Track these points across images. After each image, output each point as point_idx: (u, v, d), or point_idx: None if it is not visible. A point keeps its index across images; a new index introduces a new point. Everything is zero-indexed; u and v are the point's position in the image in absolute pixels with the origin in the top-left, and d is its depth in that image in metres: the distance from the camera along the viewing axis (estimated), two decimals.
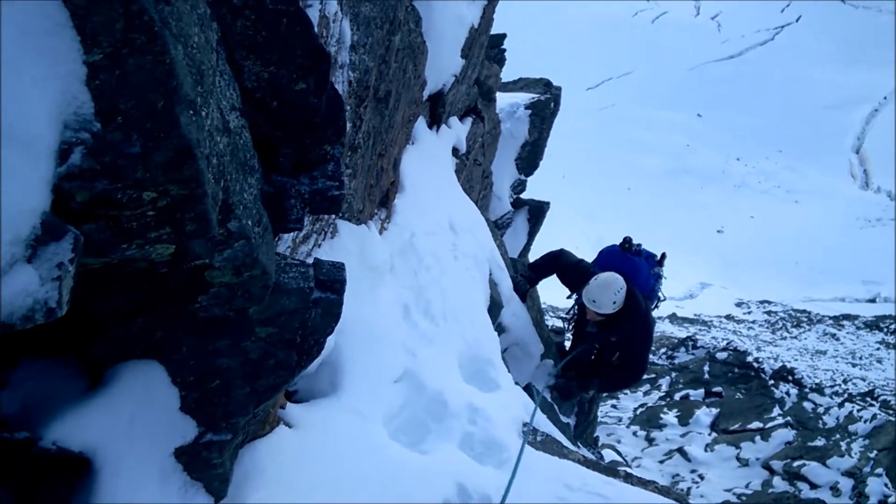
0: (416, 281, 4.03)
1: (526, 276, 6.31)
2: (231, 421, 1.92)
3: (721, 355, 23.63)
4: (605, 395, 9.95)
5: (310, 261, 2.14)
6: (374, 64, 3.19)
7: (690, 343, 27.40)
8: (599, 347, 6.10)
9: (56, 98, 1.23)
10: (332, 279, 1.88)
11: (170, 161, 1.34)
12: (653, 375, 22.95)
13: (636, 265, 5.63)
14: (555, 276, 6.28)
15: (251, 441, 2.50)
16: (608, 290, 5.23)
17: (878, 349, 34.32)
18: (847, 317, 38.75)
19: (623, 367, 5.78)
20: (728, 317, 38.90)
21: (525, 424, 4.14)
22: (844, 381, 26.47)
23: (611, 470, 4.01)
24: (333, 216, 3.23)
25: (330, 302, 1.87)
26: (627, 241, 5.75)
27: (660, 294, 6.14)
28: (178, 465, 1.93)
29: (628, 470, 4.40)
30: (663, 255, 5.97)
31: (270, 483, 2.41)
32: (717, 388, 21.24)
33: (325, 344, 2.00)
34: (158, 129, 1.30)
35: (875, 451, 18.45)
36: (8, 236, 1.19)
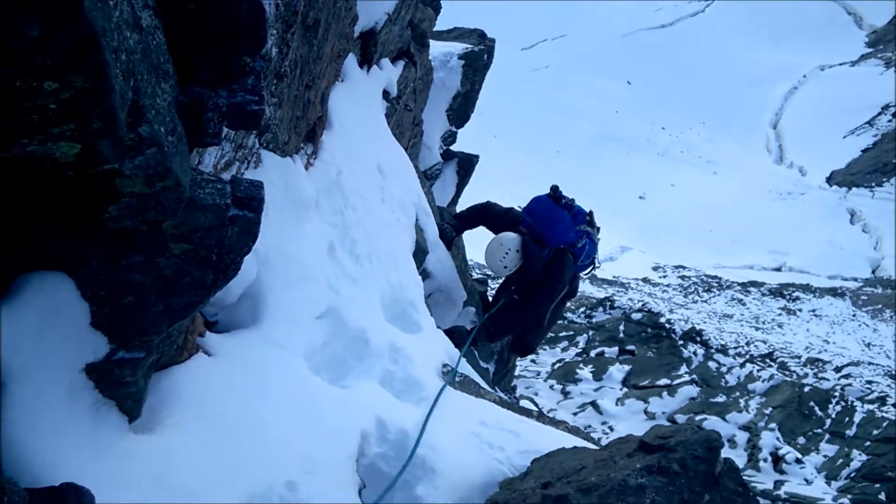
0: (341, 219, 3.99)
1: (452, 224, 6.26)
2: (144, 339, 1.87)
3: (636, 316, 24.64)
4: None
5: None
6: None
7: (608, 303, 28.41)
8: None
9: None
10: (249, 196, 1.83)
11: (73, 48, 1.26)
12: (571, 333, 23.74)
13: (556, 216, 5.58)
14: (482, 228, 6.26)
15: (168, 367, 2.44)
16: (493, 257, 5.50)
17: (779, 315, 36.61)
18: (754, 284, 41.03)
19: (517, 310, 5.67)
20: (645, 280, 40.49)
21: (445, 365, 4.20)
22: (747, 344, 28.08)
23: (524, 410, 4.14)
24: (257, 145, 3.14)
25: (247, 220, 1.82)
26: (553, 189, 5.73)
27: (596, 259, 6.07)
28: (88, 382, 1.86)
29: (542, 411, 4.56)
30: (591, 213, 5.87)
31: (187, 408, 2.38)
32: (631, 347, 22.23)
33: (242, 264, 1.96)
34: (60, 12, 1.21)
35: (770, 408, 19.77)
36: None
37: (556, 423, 4.22)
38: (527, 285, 5.63)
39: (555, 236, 5.54)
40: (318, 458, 2.72)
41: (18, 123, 1.32)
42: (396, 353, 3.87)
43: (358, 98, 4.79)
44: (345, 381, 3.47)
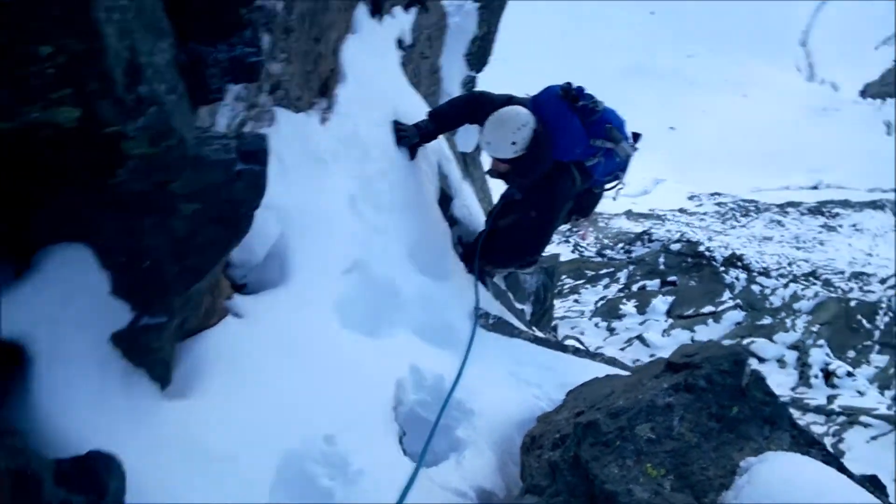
0: (362, 172, 3.94)
1: (421, 127, 4.62)
2: (165, 302, 1.88)
3: (675, 246, 24.52)
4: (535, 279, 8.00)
5: None
6: None
7: (646, 237, 28.27)
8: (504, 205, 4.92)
9: None
10: (254, 149, 1.81)
11: (64, 10, 1.24)
12: (611, 269, 23.75)
13: (564, 120, 4.15)
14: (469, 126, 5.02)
15: (198, 332, 2.47)
16: (504, 128, 4.04)
17: (820, 232, 36.10)
18: (792, 204, 40.41)
19: (514, 243, 4.56)
20: (681, 210, 40.09)
21: (477, 308, 4.20)
22: (789, 264, 27.74)
23: (560, 345, 4.15)
24: (270, 103, 3.11)
25: (254, 173, 1.80)
26: (565, 88, 4.25)
27: (621, 177, 4.62)
28: (116, 351, 1.88)
29: (577, 346, 4.56)
30: (610, 128, 4.28)
31: (220, 371, 2.39)
32: (672, 278, 22.16)
33: (253, 219, 1.94)
34: None
35: (817, 326, 19.56)
36: None
37: (592, 355, 4.22)
38: (528, 192, 4.44)
39: (556, 148, 4.14)
40: (355, 410, 2.75)
41: (20, 91, 1.32)
42: (427, 301, 3.87)
43: (371, 49, 4.69)
44: (378, 332, 3.48)
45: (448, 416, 3.17)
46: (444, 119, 4.70)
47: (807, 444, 2.41)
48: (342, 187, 3.70)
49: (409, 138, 4.58)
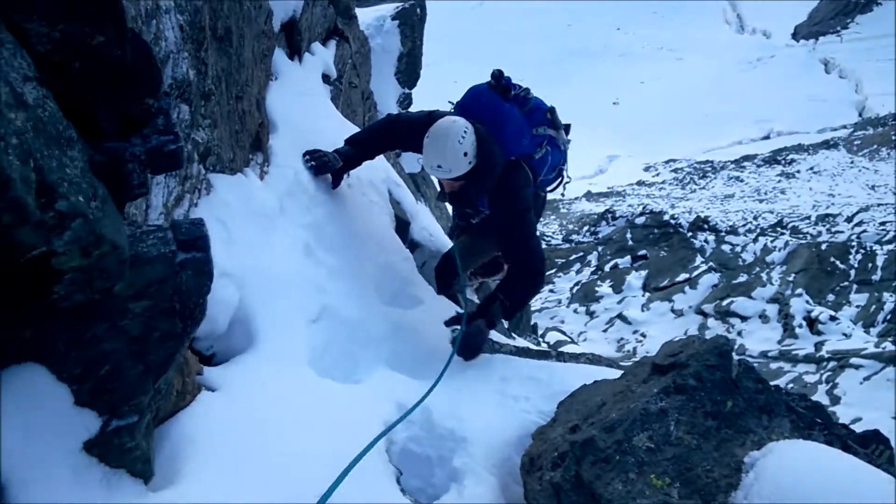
0: (311, 218, 3.93)
1: (342, 152, 4.33)
2: (133, 402, 1.86)
3: (640, 220, 24.77)
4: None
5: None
6: (204, 1, 2.98)
7: (609, 215, 28.53)
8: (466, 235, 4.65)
9: None
10: (193, 237, 1.79)
11: None
12: (581, 253, 23.90)
13: (503, 115, 3.87)
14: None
15: (174, 414, 2.44)
16: (450, 142, 3.62)
17: (779, 181, 36.71)
18: (747, 157, 41.10)
19: (514, 267, 4.02)
20: (639, 182, 40.58)
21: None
22: (755, 218, 28.15)
23: (542, 353, 4.16)
24: (203, 172, 3.08)
25: (197, 261, 1.79)
26: (496, 75, 3.99)
27: (565, 170, 4.37)
28: (91, 458, 1.86)
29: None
30: (552, 110, 4.16)
31: (203, 450, 2.37)
32: (642, 251, 22.39)
33: (207, 305, 1.93)
34: None
35: (793, 275, 19.84)
36: None
37: (576, 357, 4.24)
38: (493, 208, 4.03)
39: (502, 144, 3.81)
40: (346, 460, 2.72)
41: None
42: (401, 333, 3.87)
43: (296, 92, 4.69)
44: (356, 374, 3.47)
45: (442, 447, 3.17)
46: (365, 145, 4.41)
47: (807, 426, 2.38)
48: (294, 238, 3.69)
49: (332, 163, 4.24)
